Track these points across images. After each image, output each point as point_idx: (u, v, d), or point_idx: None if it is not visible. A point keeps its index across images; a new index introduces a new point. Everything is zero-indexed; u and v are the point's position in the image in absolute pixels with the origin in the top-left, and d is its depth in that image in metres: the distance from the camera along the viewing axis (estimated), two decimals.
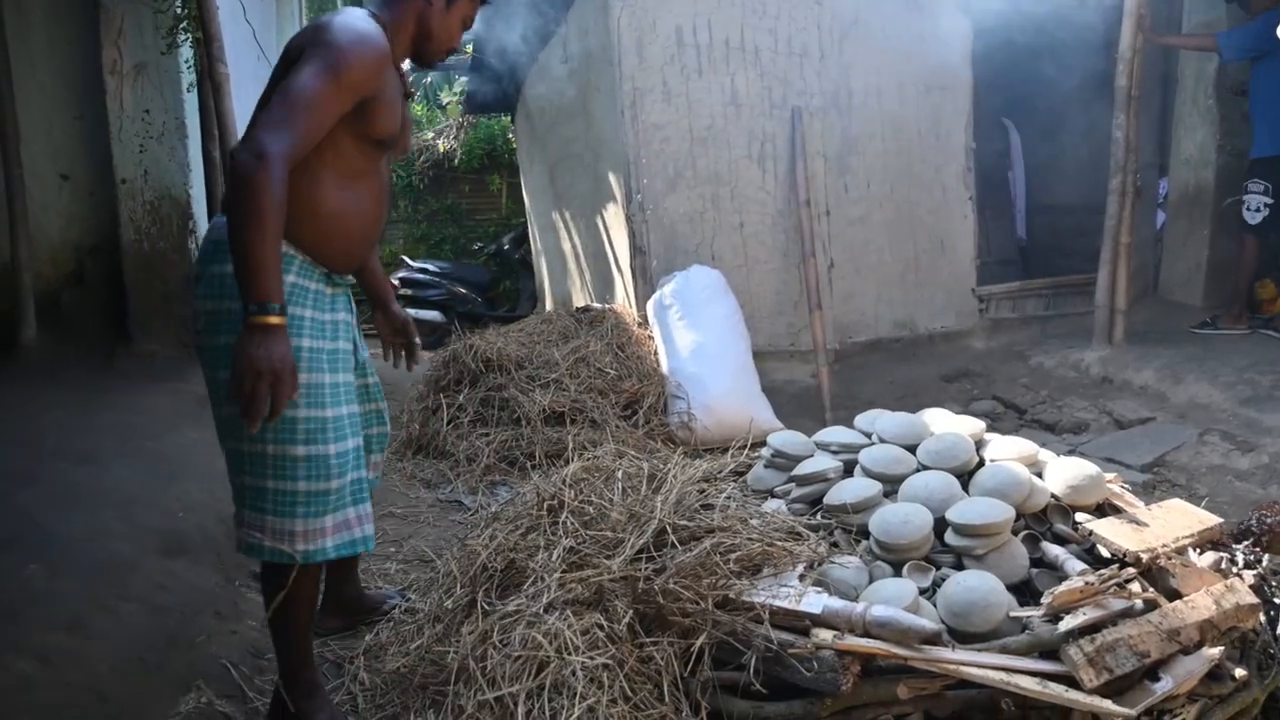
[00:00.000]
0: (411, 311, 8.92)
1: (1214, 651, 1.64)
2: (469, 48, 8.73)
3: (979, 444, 2.24)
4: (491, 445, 4.00)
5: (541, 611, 1.77)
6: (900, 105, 5.22)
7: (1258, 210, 4.78)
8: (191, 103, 3.67)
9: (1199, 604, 1.71)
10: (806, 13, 4.95)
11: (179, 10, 3.33)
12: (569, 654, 1.66)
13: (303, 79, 1.67)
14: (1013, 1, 5.26)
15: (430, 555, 2.86)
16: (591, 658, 1.66)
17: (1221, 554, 1.92)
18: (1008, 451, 2.16)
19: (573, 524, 2.00)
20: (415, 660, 1.94)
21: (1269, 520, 2.03)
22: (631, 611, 1.75)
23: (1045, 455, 2.21)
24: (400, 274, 9.20)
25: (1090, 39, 5.69)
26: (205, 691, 1.97)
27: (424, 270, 9.22)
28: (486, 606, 1.88)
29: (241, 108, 4.49)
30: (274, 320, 1.58)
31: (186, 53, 3.59)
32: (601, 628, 1.73)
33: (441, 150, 11.20)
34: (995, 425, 4.26)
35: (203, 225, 3.74)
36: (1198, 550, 1.92)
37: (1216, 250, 5.56)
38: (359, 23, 1.78)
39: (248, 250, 1.57)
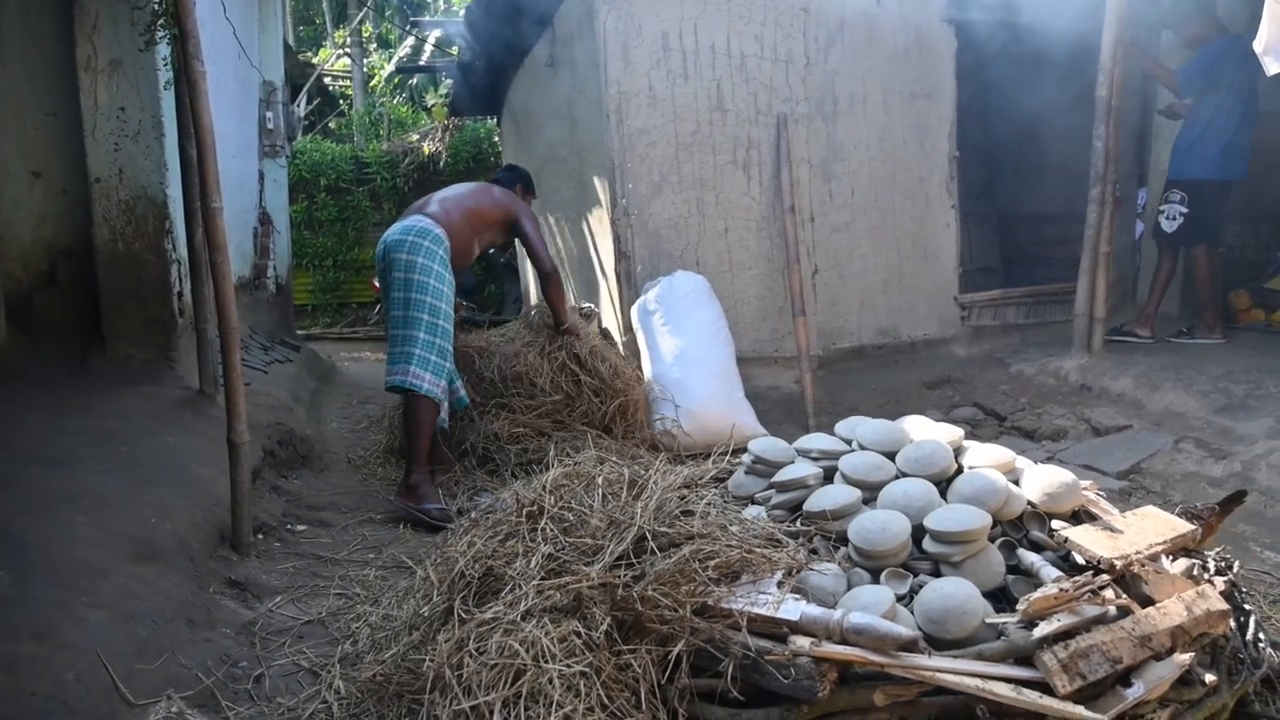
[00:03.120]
0: None
1: (1185, 657, 1.66)
2: (454, 49, 8.72)
3: (957, 451, 2.25)
4: (474, 447, 3.97)
5: (519, 619, 1.76)
6: (885, 113, 5.26)
7: (1173, 219, 4.92)
8: (169, 101, 3.62)
9: (1171, 610, 1.72)
10: (793, 20, 4.98)
11: (156, 6, 3.29)
12: (546, 662, 1.65)
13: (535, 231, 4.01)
14: (996, 12, 5.31)
15: (409, 563, 2.84)
16: (569, 665, 1.65)
17: (1193, 560, 1.94)
18: (985, 459, 2.17)
19: (552, 531, 1.98)
20: (391, 669, 1.92)
21: (1204, 513, 2.05)
22: (609, 619, 1.75)
23: (1022, 463, 2.22)
24: None
25: (1073, 49, 5.74)
26: (176, 701, 1.94)
27: None
28: (464, 614, 1.87)
29: (221, 107, 4.45)
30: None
31: (164, 50, 3.55)
32: (579, 635, 1.71)
33: (426, 153, 11.16)
34: (976, 432, 4.29)
35: (179, 225, 3.68)
36: (1170, 557, 1.94)
37: (1191, 260, 5.62)
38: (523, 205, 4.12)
39: (561, 308, 4.10)
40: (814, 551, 2.00)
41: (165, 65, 3.61)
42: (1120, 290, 5.48)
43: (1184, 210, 4.92)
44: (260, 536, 3.01)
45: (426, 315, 3.45)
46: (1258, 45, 3.84)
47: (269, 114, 6.22)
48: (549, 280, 4.00)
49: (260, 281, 5.90)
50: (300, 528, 3.23)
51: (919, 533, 1.94)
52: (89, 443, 2.97)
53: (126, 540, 2.44)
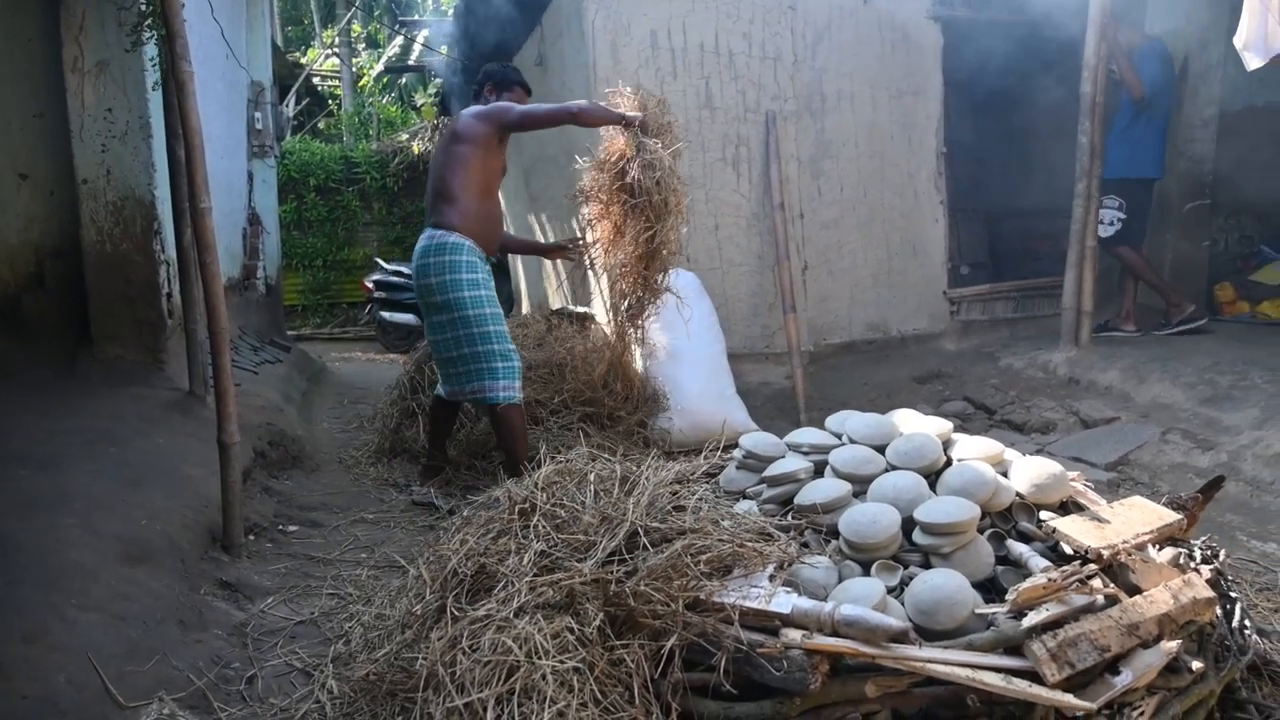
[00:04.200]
0: (385, 315, 8.88)
1: (1172, 645, 1.67)
2: (443, 48, 8.70)
3: (946, 444, 2.26)
4: (464, 448, 3.98)
5: (512, 616, 1.76)
6: (873, 110, 5.28)
7: (1111, 224, 5.04)
8: (156, 101, 3.60)
9: (1158, 599, 1.74)
10: (780, 18, 4.99)
11: (143, 7, 3.27)
12: (539, 658, 1.66)
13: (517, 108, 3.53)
14: (982, 9, 5.34)
15: (402, 562, 2.84)
16: (562, 661, 1.65)
17: (1180, 549, 1.96)
18: (974, 451, 2.18)
19: (544, 527, 1.99)
20: (384, 667, 1.91)
21: (1187, 502, 2.07)
22: (602, 614, 1.75)
23: (1011, 454, 2.23)
24: (374, 277, 9.13)
25: (1059, 45, 5.77)
26: (168, 703, 1.93)
27: (398, 273, 9.15)
28: (456, 612, 1.87)
29: (209, 107, 4.44)
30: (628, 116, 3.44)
31: (151, 50, 3.53)
32: (572, 631, 1.72)
33: (416, 152, 11.14)
34: (966, 425, 4.31)
35: (168, 226, 3.67)
36: (1157, 546, 1.96)
37: (1178, 253, 5.67)
38: (479, 109, 3.56)
39: (609, 116, 3.47)
40: (805, 545, 2.01)
41: (152, 66, 3.60)
42: (1107, 284, 5.52)
43: (1122, 216, 5.05)
44: (251, 537, 3.01)
45: (476, 328, 3.36)
46: (1238, 41, 3.88)
47: (257, 114, 6.20)
48: (579, 119, 3.50)
49: (250, 282, 5.88)
50: (292, 528, 3.22)
51: (909, 525, 1.95)
52: (78, 444, 2.96)
53: (117, 542, 2.43)
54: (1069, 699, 1.54)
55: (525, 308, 7.90)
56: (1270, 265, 5.60)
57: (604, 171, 3.55)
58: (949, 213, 5.62)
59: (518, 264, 8.30)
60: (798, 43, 5.04)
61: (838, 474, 2.18)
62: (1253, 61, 3.86)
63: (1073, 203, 4.80)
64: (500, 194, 3.88)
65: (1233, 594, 2.03)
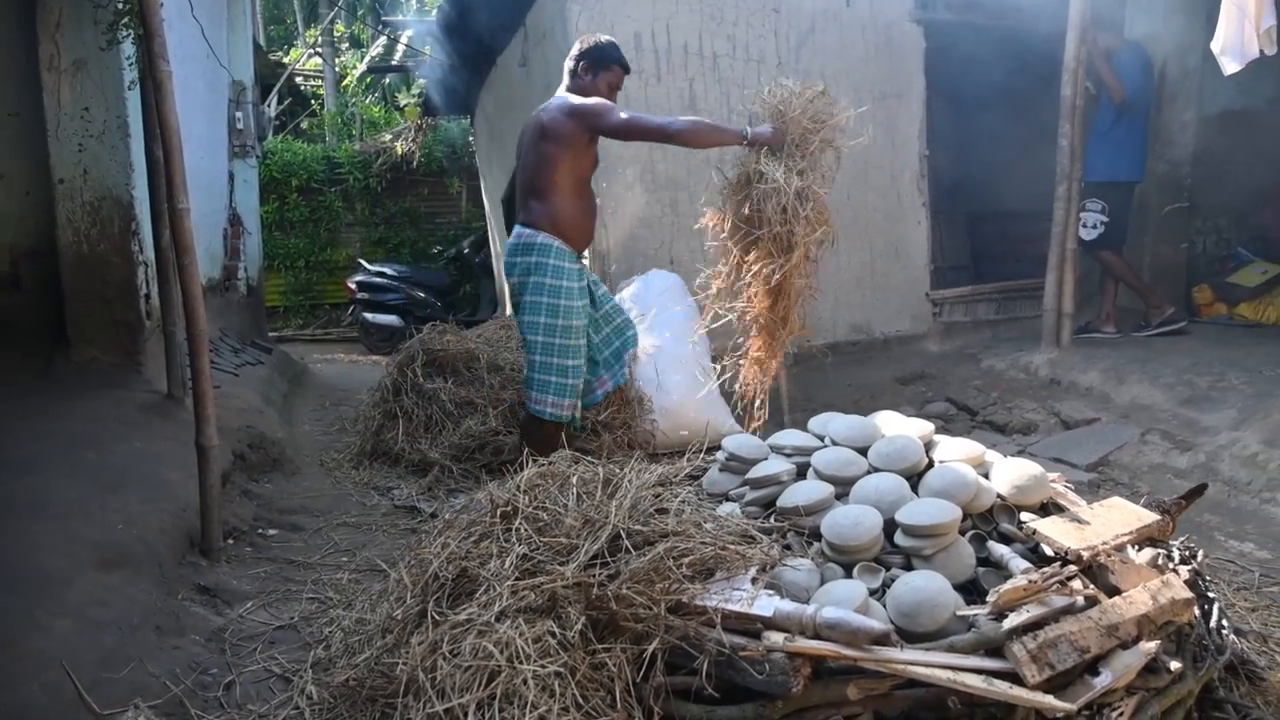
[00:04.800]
0: (368, 316, 8.82)
1: (1151, 646, 1.68)
2: (427, 49, 8.66)
3: (928, 446, 2.27)
4: (446, 451, 3.96)
5: (493, 620, 1.75)
6: (856, 112, 5.28)
7: (1094, 228, 5.08)
8: (134, 101, 3.56)
9: (1137, 599, 1.75)
10: (764, 20, 5.00)
11: (120, 5, 3.23)
12: (520, 663, 1.65)
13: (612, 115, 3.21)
14: (964, 13, 5.37)
15: (383, 565, 2.82)
16: (543, 666, 1.65)
17: (1158, 550, 1.97)
18: (956, 453, 2.19)
19: (526, 530, 1.98)
20: (364, 672, 1.90)
21: (1170, 506, 2.09)
22: (584, 618, 1.74)
23: (992, 456, 2.24)
24: (357, 278, 9.08)
25: (1040, 49, 5.82)
26: (144, 710, 1.91)
27: (381, 274, 9.10)
28: (437, 616, 1.85)
29: (189, 107, 4.39)
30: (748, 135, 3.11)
31: (129, 49, 3.50)
32: (554, 635, 1.71)
33: (399, 153, 11.08)
34: (948, 427, 4.33)
35: (146, 227, 3.63)
36: (1136, 547, 1.97)
37: (1158, 255, 5.73)
38: (569, 99, 3.24)
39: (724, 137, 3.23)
40: (787, 547, 2.01)
41: (130, 65, 3.56)
42: (1088, 286, 5.57)
43: (1104, 219, 5.08)
44: (230, 541, 2.98)
45: (540, 336, 3.23)
46: (1215, 45, 3.92)
47: (238, 114, 6.14)
48: (678, 139, 3.26)
49: (230, 283, 5.83)
50: (272, 532, 3.19)
51: (891, 527, 1.96)
52: (53, 448, 2.92)
53: (92, 547, 2.40)
54: (1049, 700, 1.55)
55: (509, 308, 7.87)
56: (1247, 267, 5.67)
57: (730, 198, 3.19)
58: (931, 215, 5.65)
59: (500, 265, 8.27)
60: (781, 45, 5.05)
61: (820, 476, 2.18)
62: (1229, 66, 3.90)
63: (1053, 205, 4.84)
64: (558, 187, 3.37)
65: (1210, 594, 2.05)
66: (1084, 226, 5.07)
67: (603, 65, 3.31)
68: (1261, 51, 3.77)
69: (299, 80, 14.65)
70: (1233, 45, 3.84)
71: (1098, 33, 5.04)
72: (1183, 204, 5.74)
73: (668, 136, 3.25)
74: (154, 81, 2.76)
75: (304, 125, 13.52)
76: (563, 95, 3.29)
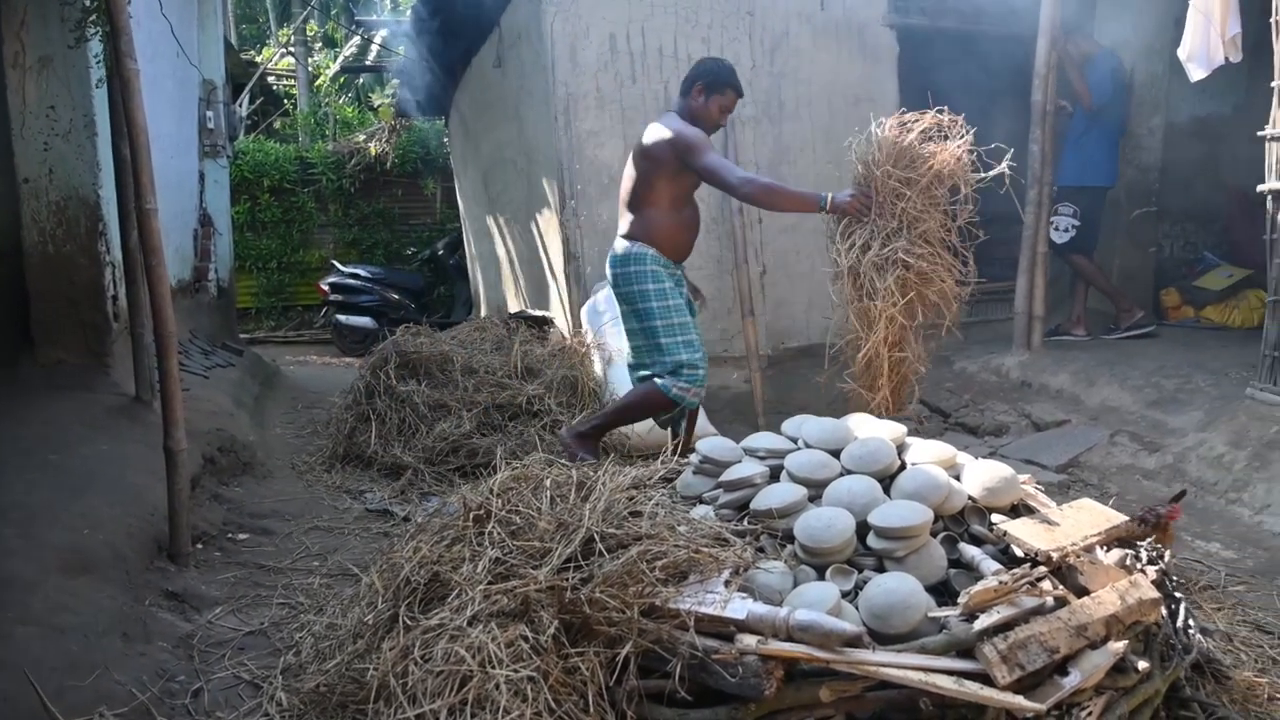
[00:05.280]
0: (341, 318, 8.74)
1: (1119, 645, 1.70)
2: (401, 49, 8.60)
3: (900, 448, 2.29)
4: (420, 454, 3.93)
5: (465, 625, 1.74)
6: (830, 116, 5.33)
7: (1066, 231, 5.17)
8: (101, 99, 3.50)
9: (1105, 600, 1.77)
10: (738, 23, 5.02)
11: (87, 2, 3.18)
12: (492, 667, 1.63)
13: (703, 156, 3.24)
14: (937, 19, 5.42)
15: (354, 570, 2.79)
16: (516, 670, 1.63)
17: (1126, 551, 2.00)
18: (927, 455, 2.21)
19: (499, 534, 1.96)
20: (334, 678, 1.88)
21: (1162, 512, 2.12)
22: (557, 622, 1.73)
23: (963, 458, 2.26)
24: (330, 279, 8.99)
25: (1012, 54, 5.90)
26: (109, 718, 1.87)
27: (355, 275, 9.02)
28: (409, 621, 1.84)
29: (158, 106, 4.32)
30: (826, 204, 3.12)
31: (96, 47, 3.44)
32: (526, 639, 1.70)
33: (373, 153, 10.99)
34: (922, 428, 4.36)
35: (113, 227, 3.57)
36: (1105, 548, 1.99)
37: (1126, 259, 5.82)
38: (677, 123, 3.28)
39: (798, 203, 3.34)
40: (761, 550, 2.01)
41: (97, 63, 3.50)
42: (1058, 289, 5.65)
43: (1076, 223, 5.16)
44: (199, 546, 2.93)
45: (658, 321, 3.34)
46: (1181, 53, 3.99)
47: (209, 113, 6.06)
48: (750, 200, 3.39)
49: (201, 284, 5.75)
50: (242, 536, 3.15)
51: (864, 529, 1.97)
52: (17, 451, 2.86)
53: (57, 552, 2.35)
54: (1019, 700, 1.56)
55: (484, 310, 7.84)
56: (1213, 271, 5.77)
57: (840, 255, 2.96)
58: None
59: (476, 267, 8.24)
60: (756, 48, 5.07)
61: (793, 479, 2.19)
62: (1195, 73, 3.97)
63: (1024, 209, 4.90)
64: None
65: (1177, 594, 2.08)
66: (1056, 230, 5.14)
67: (716, 89, 3.37)
68: (1227, 59, 3.84)
69: (271, 80, 14.49)
70: (1199, 52, 3.91)
71: (1074, 40, 5.11)
72: (1151, 209, 5.84)
73: (740, 196, 3.35)
74: (122, 80, 2.72)
75: (276, 125, 13.37)
76: (670, 115, 3.36)
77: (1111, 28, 5.68)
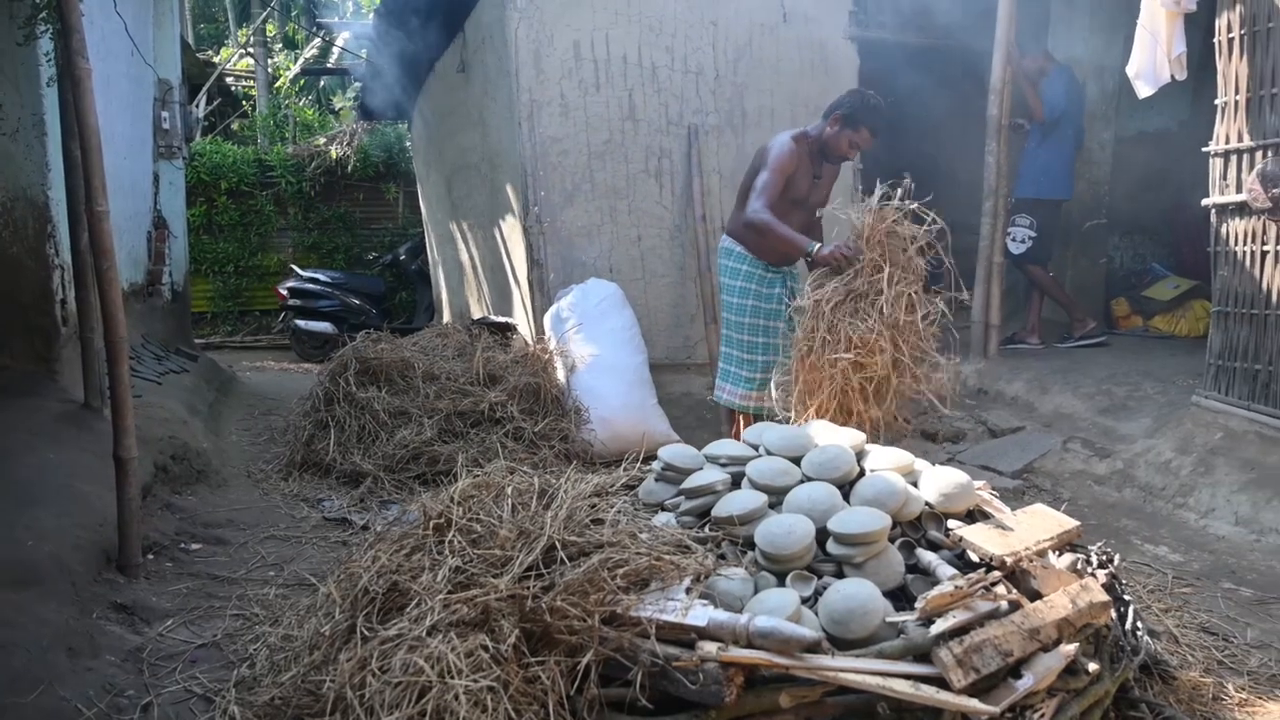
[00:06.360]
0: (300, 323, 8.60)
1: (1070, 648, 1.74)
2: (363, 52, 8.52)
3: (859, 455, 2.31)
4: (380, 462, 3.88)
5: (424, 635, 1.72)
6: (792, 126, 5.36)
7: (1022, 242, 5.29)
8: (52, 98, 3.42)
9: (1057, 603, 1.81)
10: (702, 33, 5.05)
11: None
12: (452, 678, 1.62)
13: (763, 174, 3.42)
14: (898, 33, 5.52)
15: (312, 580, 2.74)
16: (475, 680, 1.62)
17: (1077, 555, 2.05)
18: (886, 462, 2.24)
19: (460, 543, 1.95)
20: (290, 691, 1.84)
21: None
22: (517, 631, 1.72)
23: (921, 465, 2.30)
24: (289, 284, 8.85)
25: (970, 68, 6.02)
26: None
27: (315, 280, 8.89)
28: (367, 631, 1.81)
29: (111, 105, 4.23)
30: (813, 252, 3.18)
31: (47, 44, 3.36)
32: (486, 649, 1.68)
33: (334, 157, 10.85)
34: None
35: (63, 229, 3.48)
36: (1057, 552, 2.04)
37: (1078, 270, 5.97)
38: (784, 141, 3.48)
39: (791, 245, 3.32)
40: (722, 556, 2.02)
41: (48, 61, 3.41)
42: (1014, 299, 5.76)
43: (1033, 234, 5.27)
44: (150, 557, 2.86)
45: (726, 330, 3.73)
46: (1130, 70, 4.10)
47: (164, 114, 5.94)
48: (756, 226, 3.42)
49: (154, 288, 5.63)
50: (195, 546, 3.08)
51: (823, 535, 1.99)
52: None
53: None
54: (974, 704, 1.58)
55: (446, 316, 7.78)
56: (1161, 282, 5.94)
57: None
58: None
59: (439, 272, 8.17)
60: (719, 58, 5.11)
61: (755, 485, 2.20)
62: (1143, 90, 4.09)
63: (981, 220, 5.00)
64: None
65: (1126, 597, 2.14)
66: (1013, 241, 5.25)
67: (851, 124, 3.43)
68: (1173, 76, 3.96)
69: (230, 80, 14.26)
70: (1146, 70, 4.02)
71: (1031, 55, 5.22)
72: (1101, 221, 6.00)
73: (749, 215, 3.46)
74: (72, 79, 2.66)
75: (234, 127, 13.15)
76: (791, 132, 3.55)
77: (1065, 44, 5.83)
